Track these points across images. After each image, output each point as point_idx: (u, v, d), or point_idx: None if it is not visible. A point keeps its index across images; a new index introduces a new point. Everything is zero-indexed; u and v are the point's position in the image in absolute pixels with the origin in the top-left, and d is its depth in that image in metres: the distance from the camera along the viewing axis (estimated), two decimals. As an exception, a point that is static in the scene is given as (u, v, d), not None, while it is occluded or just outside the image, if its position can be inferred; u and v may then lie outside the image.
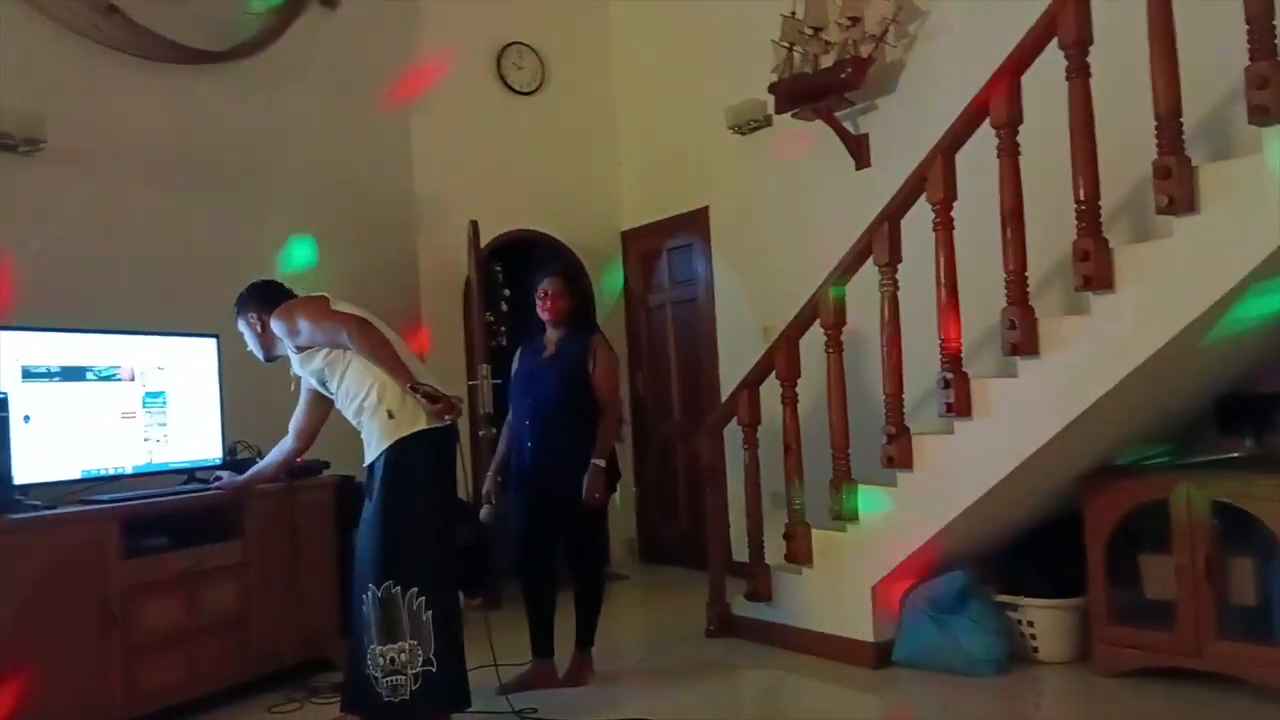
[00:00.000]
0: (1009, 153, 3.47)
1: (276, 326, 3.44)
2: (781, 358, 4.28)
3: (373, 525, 3.30)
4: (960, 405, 3.67)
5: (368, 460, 3.36)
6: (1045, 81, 3.40)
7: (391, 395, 3.30)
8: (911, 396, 3.99)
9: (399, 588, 3.23)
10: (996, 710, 3.56)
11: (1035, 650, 3.90)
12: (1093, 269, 3.25)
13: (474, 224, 5.39)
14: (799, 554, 4.22)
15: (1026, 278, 3.51)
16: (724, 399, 4.97)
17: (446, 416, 3.33)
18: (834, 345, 4.08)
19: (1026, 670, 3.84)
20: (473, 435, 5.47)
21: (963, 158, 3.67)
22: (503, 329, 6.21)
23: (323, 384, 3.46)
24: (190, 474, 4.14)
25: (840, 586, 4.06)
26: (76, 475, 3.73)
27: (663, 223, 6.33)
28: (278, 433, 4.50)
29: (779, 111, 5.29)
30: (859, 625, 3.99)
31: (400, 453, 3.27)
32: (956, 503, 3.68)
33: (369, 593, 3.26)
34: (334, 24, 5.35)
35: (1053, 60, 3.34)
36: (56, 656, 3.31)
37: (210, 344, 4.27)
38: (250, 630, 3.96)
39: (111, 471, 3.85)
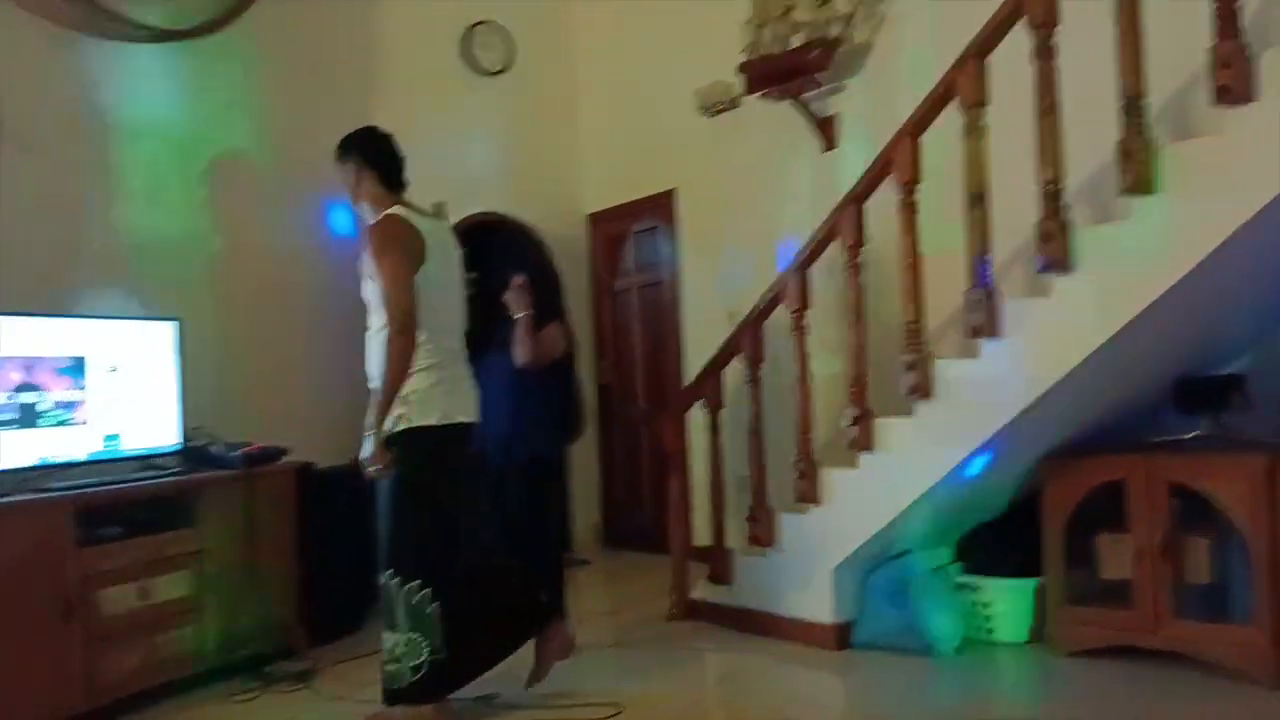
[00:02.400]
0: (974, 134, 3.47)
1: (369, 232, 3.25)
2: (747, 341, 4.27)
3: (381, 513, 3.26)
4: (923, 387, 3.67)
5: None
6: (1012, 62, 3.40)
7: (416, 379, 3.18)
8: (875, 378, 3.99)
9: (398, 579, 3.20)
10: (955, 690, 3.58)
11: (992, 631, 3.93)
12: (1055, 250, 3.26)
13: (439, 205, 5.32)
14: (761, 537, 4.22)
15: (990, 259, 3.51)
16: (688, 383, 4.96)
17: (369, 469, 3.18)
18: (798, 329, 4.07)
19: (984, 650, 3.87)
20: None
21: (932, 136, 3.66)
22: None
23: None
24: (147, 461, 4.08)
25: (801, 569, 4.07)
26: (30, 463, 3.66)
27: (629, 205, 6.30)
28: (237, 417, 4.46)
29: (748, 93, 5.26)
30: (820, 608, 4.01)
31: (411, 442, 3.18)
32: (916, 485, 3.69)
33: (381, 579, 3.25)
34: (297, 3, 5.26)
35: (1020, 41, 3.33)
36: (13, 647, 3.26)
37: (169, 328, 4.20)
38: (208, 619, 3.91)
39: (66, 459, 3.78)
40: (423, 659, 3.18)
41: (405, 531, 3.23)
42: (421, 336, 3.17)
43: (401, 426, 3.18)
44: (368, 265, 3.23)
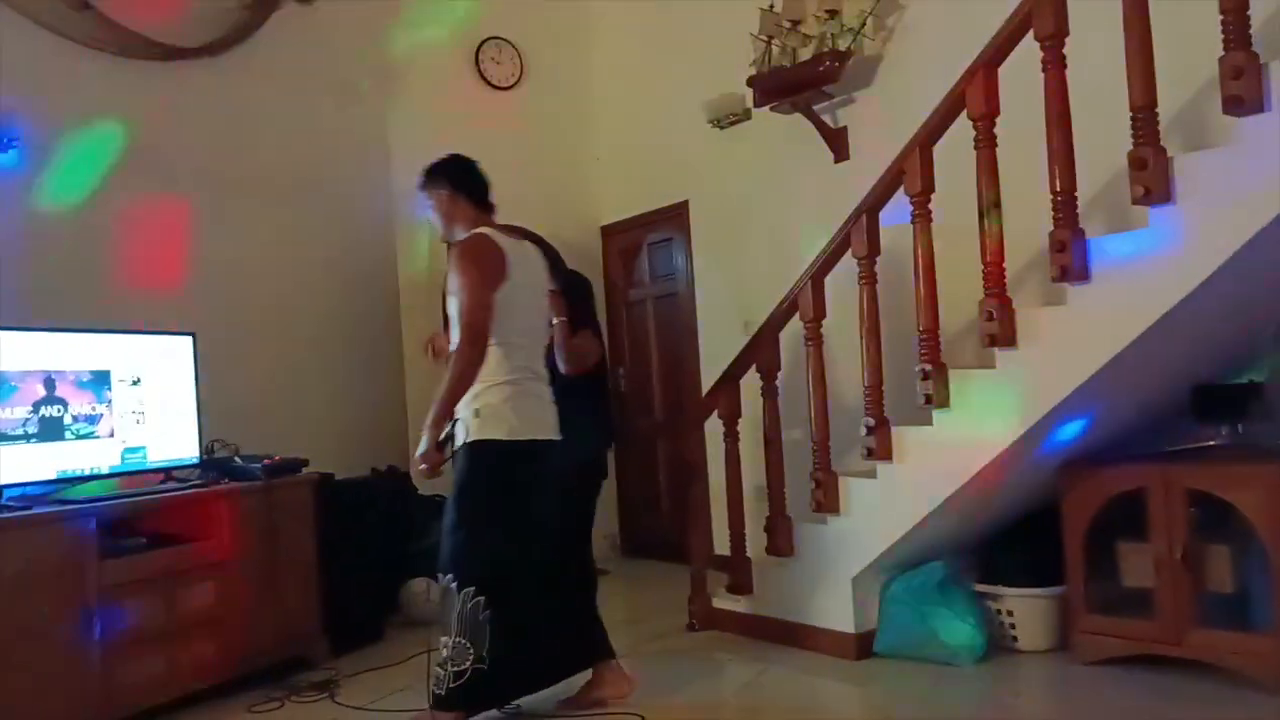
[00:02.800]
0: (986, 144, 3.48)
1: (454, 251, 3.32)
2: (762, 351, 4.28)
3: (446, 517, 3.32)
4: (939, 397, 3.68)
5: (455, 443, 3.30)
6: (1022, 73, 3.41)
7: (489, 394, 3.24)
8: (891, 389, 4.00)
9: (455, 583, 3.24)
10: (977, 700, 3.57)
11: (1015, 639, 3.92)
12: (1069, 260, 3.26)
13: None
14: (780, 546, 4.23)
15: (1004, 269, 3.52)
16: (705, 393, 4.97)
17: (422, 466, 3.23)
18: (813, 339, 4.08)
19: (1006, 659, 3.86)
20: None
21: (941, 150, 3.68)
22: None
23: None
24: (167, 473, 4.11)
25: (821, 578, 4.07)
26: (52, 476, 3.70)
27: (642, 217, 6.33)
28: (254, 430, 4.50)
29: (758, 105, 5.29)
30: (840, 617, 4.01)
31: (476, 453, 3.23)
32: (936, 494, 3.69)
33: (441, 581, 3.30)
34: (310, 19, 5.32)
35: (1030, 52, 3.35)
36: (35, 657, 3.28)
37: (186, 342, 4.24)
38: (230, 629, 3.94)
39: (88, 472, 3.82)
40: (466, 666, 3.19)
41: (466, 538, 3.26)
42: (499, 353, 3.24)
43: (472, 438, 3.23)
44: (451, 281, 3.29)
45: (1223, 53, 2.94)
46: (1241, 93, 2.89)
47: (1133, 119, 3.11)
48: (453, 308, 3.28)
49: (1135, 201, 3.12)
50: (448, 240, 3.52)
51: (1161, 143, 3.09)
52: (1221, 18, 2.95)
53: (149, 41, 4.54)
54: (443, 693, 3.23)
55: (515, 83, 6.25)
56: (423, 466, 3.23)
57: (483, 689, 3.25)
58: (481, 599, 3.21)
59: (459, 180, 3.48)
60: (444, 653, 3.23)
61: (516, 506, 3.30)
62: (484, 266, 3.25)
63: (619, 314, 6.60)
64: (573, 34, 6.59)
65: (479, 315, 3.19)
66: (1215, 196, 2.98)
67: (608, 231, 6.60)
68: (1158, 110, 3.10)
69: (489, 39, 6.15)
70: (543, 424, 3.38)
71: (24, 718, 3.23)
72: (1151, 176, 3.05)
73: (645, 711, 3.44)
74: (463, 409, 3.24)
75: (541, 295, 3.50)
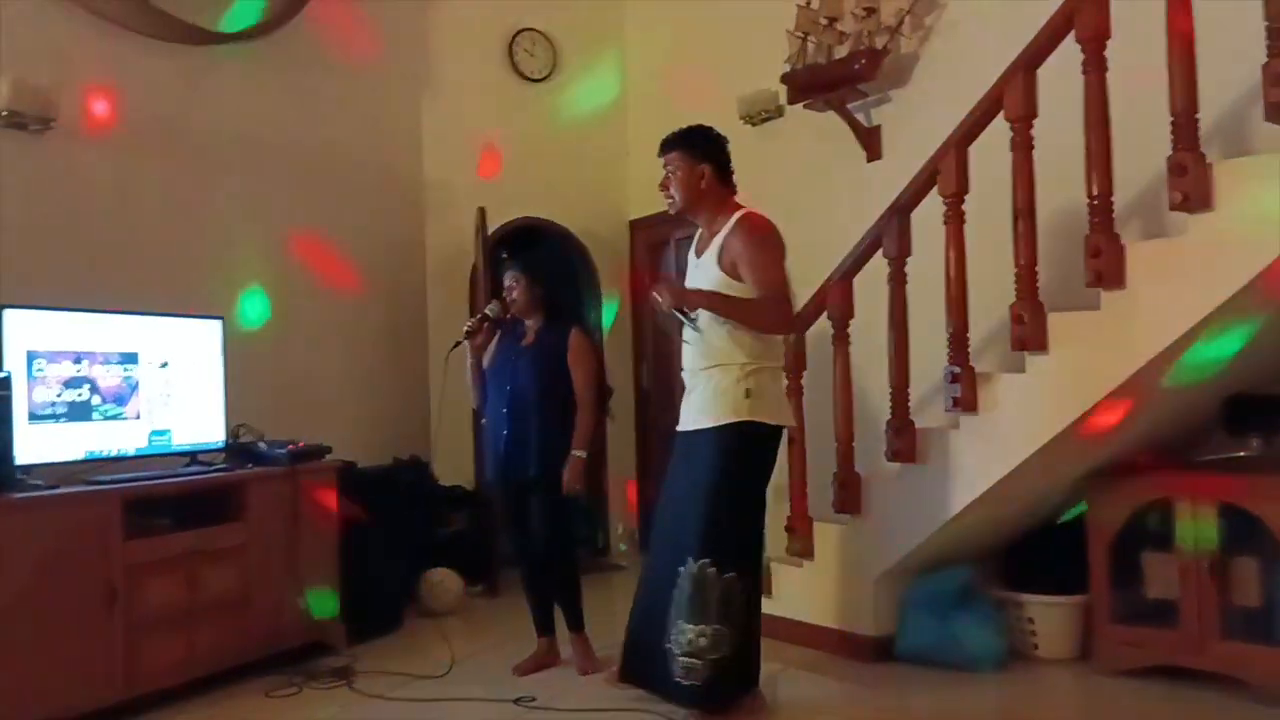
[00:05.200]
0: (1023, 146, 3.45)
1: (756, 227, 3.30)
2: (789, 350, 4.25)
3: (701, 496, 3.23)
4: (967, 400, 3.65)
5: (693, 425, 3.32)
6: (1060, 76, 3.37)
7: (760, 376, 3.25)
8: (917, 391, 3.97)
9: (715, 569, 3.16)
10: (996, 707, 3.55)
11: (1036, 647, 3.89)
12: (1104, 265, 3.23)
13: (481, 211, 5.37)
14: (801, 548, 4.21)
15: (1037, 273, 3.49)
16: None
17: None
18: (840, 339, 4.06)
19: (1027, 667, 3.83)
20: (475, 423, 5.46)
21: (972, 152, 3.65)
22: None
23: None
24: (192, 457, 4.14)
25: (841, 580, 4.05)
26: (80, 456, 3.73)
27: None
28: (280, 415, 4.52)
29: (791, 102, 5.26)
30: (860, 619, 3.99)
31: (743, 434, 3.21)
32: (960, 498, 3.67)
33: (685, 566, 3.19)
34: (346, 7, 5.33)
35: (1069, 54, 3.31)
36: (58, 635, 3.31)
37: (215, 326, 4.26)
38: (250, 613, 3.96)
39: (114, 453, 3.84)
40: (723, 654, 3.15)
41: (728, 520, 3.20)
42: (777, 337, 3.33)
43: (742, 418, 3.20)
44: (752, 253, 3.25)
45: (1266, 59, 2.90)
46: (1285, 100, 2.85)
47: (1173, 124, 3.08)
48: (754, 277, 3.24)
49: (1173, 207, 3.09)
50: (680, 212, 3.46)
51: (1201, 149, 3.05)
52: (1267, 24, 2.90)
53: (186, 25, 4.56)
54: (701, 685, 3.16)
55: (548, 75, 6.24)
56: (665, 296, 3.26)
57: (736, 676, 3.23)
58: (743, 584, 3.19)
59: (719, 156, 3.41)
60: (700, 641, 3.14)
61: (764, 490, 3.33)
62: (781, 249, 3.31)
63: (644, 309, 6.58)
64: (606, 27, 6.57)
65: (789, 294, 3.26)
66: (1256, 204, 2.94)
67: (636, 226, 6.58)
68: (1198, 116, 3.06)
69: (523, 30, 6.14)
70: (790, 409, 3.47)
71: (45, 695, 3.26)
72: (1191, 182, 3.01)
73: (659, 710, 3.43)
74: (730, 384, 3.22)
75: None
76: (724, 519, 3.20)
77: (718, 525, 3.19)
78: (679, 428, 3.43)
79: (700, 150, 3.39)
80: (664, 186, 3.44)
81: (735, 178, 3.48)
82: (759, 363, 3.25)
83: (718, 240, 3.34)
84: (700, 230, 3.49)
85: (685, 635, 3.16)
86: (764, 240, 3.28)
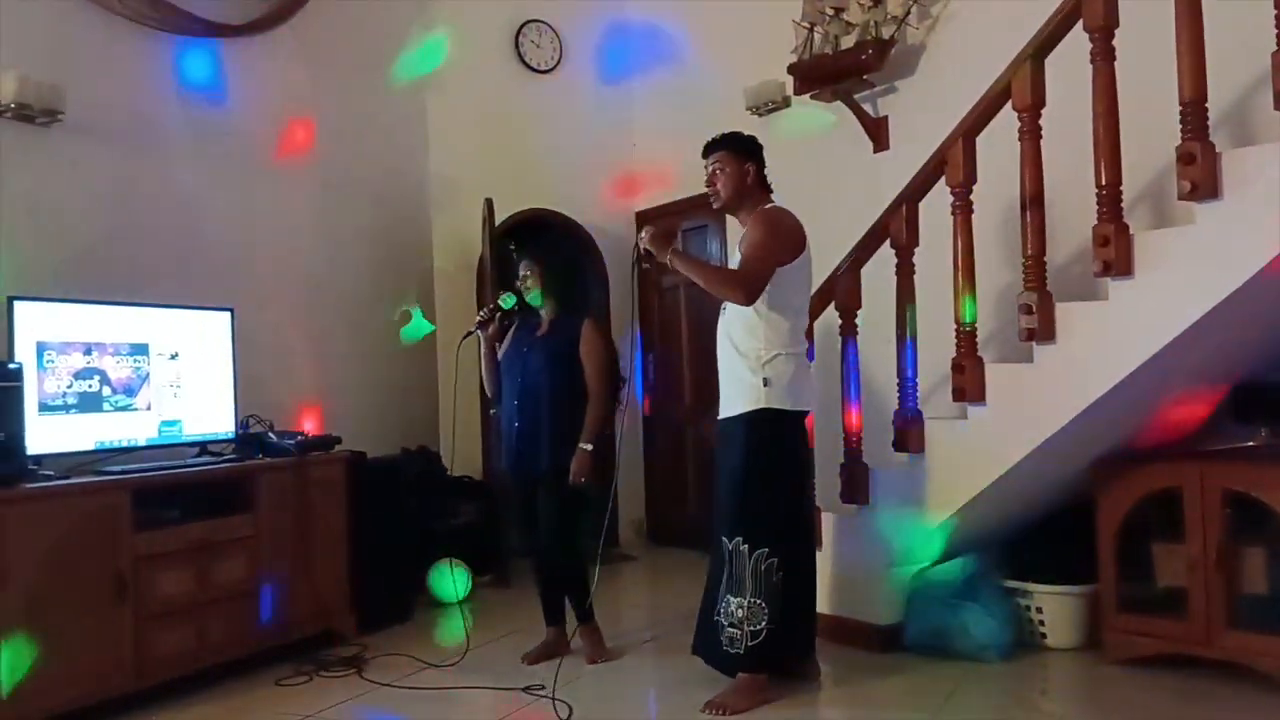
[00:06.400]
0: (1031, 136, 3.45)
1: (764, 214, 3.46)
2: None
3: (732, 481, 3.44)
4: (974, 391, 3.65)
5: (723, 414, 3.51)
6: (1068, 65, 3.37)
7: (779, 363, 3.38)
8: (925, 382, 3.97)
9: (747, 545, 3.37)
10: (1004, 696, 3.55)
11: (1044, 637, 3.90)
12: (1112, 254, 3.22)
13: (489, 202, 5.38)
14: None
15: (1045, 262, 3.49)
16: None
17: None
18: (848, 329, 4.06)
19: (1035, 656, 3.83)
20: (483, 414, 5.48)
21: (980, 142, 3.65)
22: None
23: None
24: (203, 447, 4.15)
25: (849, 569, 4.05)
26: (90, 447, 3.74)
27: (677, 204, 6.30)
28: (289, 405, 4.54)
29: (798, 93, 5.26)
30: (868, 608, 4.00)
31: (763, 420, 3.38)
32: (968, 488, 3.67)
33: (723, 543, 3.44)
34: (351, 2, 5.33)
35: (1077, 43, 3.30)
36: (69, 625, 3.33)
37: (224, 317, 4.28)
38: (260, 603, 3.97)
39: (125, 444, 3.86)
40: (762, 626, 3.36)
41: (756, 502, 3.40)
42: (788, 324, 3.42)
43: (761, 405, 3.37)
44: (752, 233, 3.44)
45: (1276, 47, 2.89)
46: (1294, 88, 2.84)
47: (1181, 113, 3.07)
48: (741, 250, 3.46)
49: (1182, 197, 3.08)
50: (724, 207, 3.64)
51: (1210, 138, 3.04)
52: (1276, 13, 2.89)
53: (193, 18, 4.57)
54: (742, 652, 3.38)
55: (554, 66, 6.24)
56: (647, 241, 3.51)
57: (776, 649, 3.41)
58: (775, 560, 3.37)
59: (761, 159, 3.60)
60: (739, 613, 3.38)
61: (795, 471, 3.52)
62: (783, 239, 3.42)
63: (651, 300, 6.59)
64: (613, 18, 6.57)
65: (764, 272, 3.35)
66: (1265, 193, 2.93)
67: (642, 218, 6.58)
68: (1207, 105, 3.05)
69: (529, 21, 6.15)
70: (814, 394, 3.59)
71: (56, 684, 3.27)
72: (1199, 172, 3.01)
73: (668, 696, 3.44)
74: (749, 373, 3.40)
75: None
76: (752, 502, 3.40)
77: (747, 508, 3.40)
78: (719, 415, 3.59)
79: (746, 150, 3.58)
80: (711, 183, 3.60)
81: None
82: (777, 350, 3.39)
83: (744, 230, 3.53)
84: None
85: (729, 607, 3.41)
86: (768, 223, 3.44)
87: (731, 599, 3.40)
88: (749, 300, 3.35)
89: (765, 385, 3.37)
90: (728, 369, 3.50)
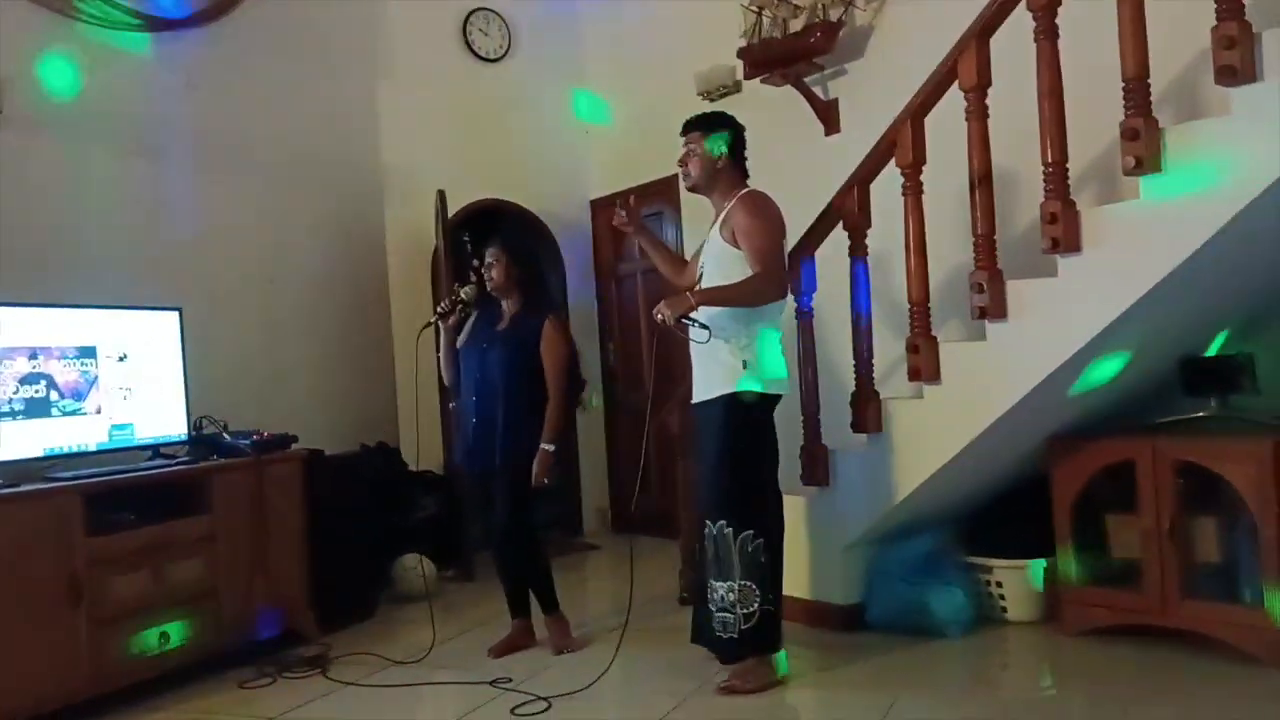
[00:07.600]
0: (978, 116, 3.47)
1: (753, 201, 3.45)
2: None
3: (712, 464, 3.43)
4: (929, 370, 3.68)
5: (698, 397, 3.51)
6: (1017, 44, 3.39)
7: (756, 348, 3.39)
8: (882, 362, 4.00)
9: (730, 529, 3.37)
10: (965, 671, 3.59)
11: (1004, 611, 3.95)
12: (1060, 231, 3.25)
13: (441, 193, 5.33)
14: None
15: (995, 241, 3.51)
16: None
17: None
18: (803, 313, 4.07)
19: (996, 630, 3.89)
20: (443, 407, 5.45)
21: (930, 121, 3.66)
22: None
23: (701, 275, 3.56)
24: (155, 450, 4.09)
25: (810, 550, 4.08)
26: (39, 453, 3.67)
27: (632, 190, 6.27)
28: (242, 406, 4.48)
29: (748, 77, 5.26)
30: (829, 589, 4.03)
31: (739, 404, 3.38)
32: (926, 466, 3.70)
33: (707, 528, 3.43)
34: (296, -9, 5.26)
35: (1025, 22, 3.32)
36: (23, 632, 3.28)
37: (173, 317, 4.20)
38: (219, 604, 3.93)
39: (75, 449, 3.80)
40: (754, 608, 3.36)
41: (736, 486, 3.40)
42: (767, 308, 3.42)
43: (738, 388, 3.37)
44: (748, 223, 3.40)
45: (1215, 23, 2.92)
46: (1234, 63, 2.87)
47: (1125, 89, 3.10)
48: (747, 244, 3.40)
49: (1127, 172, 3.12)
50: (694, 188, 3.61)
51: (1154, 114, 3.08)
52: (1216, -13, 2.92)
53: (135, 12, 4.48)
54: (737, 636, 3.38)
55: (503, 54, 6.19)
56: (666, 311, 3.30)
57: (770, 630, 3.41)
58: (761, 541, 3.37)
59: (740, 147, 3.58)
60: (729, 597, 3.37)
61: (771, 453, 3.51)
62: (776, 222, 3.46)
63: (608, 288, 6.58)
64: (562, 5, 6.52)
65: (781, 262, 3.43)
66: (1208, 166, 2.97)
67: (597, 205, 6.56)
68: (1149, 81, 3.08)
69: (477, 9, 6.08)
70: (789, 377, 3.58)
71: (13, 693, 3.22)
72: (1144, 147, 3.04)
73: (635, 684, 3.44)
74: (727, 355, 3.38)
75: None
76: (731, 485, 3.40)
77: (727, 491, 3.41)
78: (691, 400, 3.59)
79: (721, 133, 3.55)
80: (683, 163, 3.59)
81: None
82: (755, 331, 3.40)
83: (723, 215, 3.51)
84: (714, 212, 3.61)
85: (718, 592, 3.41)
86: (758, 210, 3.44)
87: (719, 584, 3.40)
88: (784, 293, 3.41)
89: (744, 367, 3.37)
90: (704, 352, 3.45)
